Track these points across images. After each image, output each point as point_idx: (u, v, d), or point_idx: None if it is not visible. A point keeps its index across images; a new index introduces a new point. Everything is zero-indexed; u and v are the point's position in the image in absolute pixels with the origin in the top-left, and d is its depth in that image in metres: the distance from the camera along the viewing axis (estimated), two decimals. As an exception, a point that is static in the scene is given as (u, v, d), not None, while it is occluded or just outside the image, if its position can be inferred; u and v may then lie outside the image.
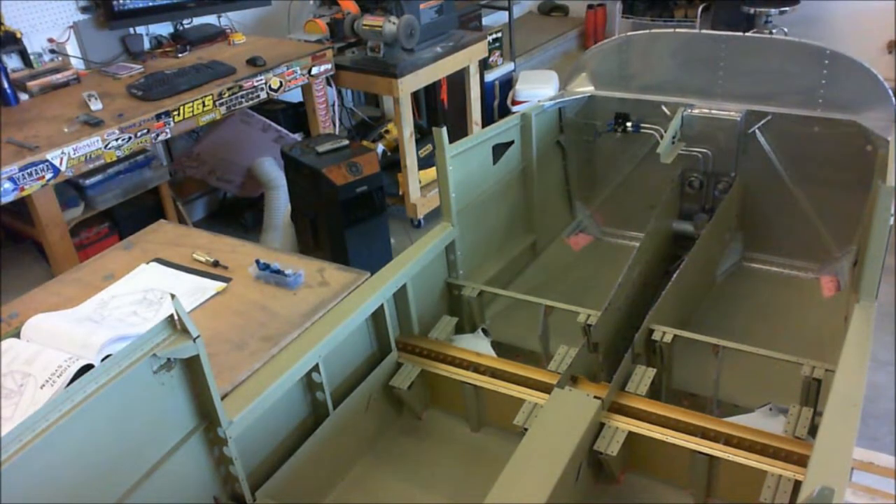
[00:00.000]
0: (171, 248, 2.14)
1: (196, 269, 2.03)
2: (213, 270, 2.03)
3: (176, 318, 1.34)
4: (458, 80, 4.01)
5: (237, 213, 3.97)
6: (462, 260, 2.32)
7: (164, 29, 3.61)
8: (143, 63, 3.37)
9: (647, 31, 2.83)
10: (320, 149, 2.97)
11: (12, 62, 3.10)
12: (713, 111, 2.66)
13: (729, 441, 1.70)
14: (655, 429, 1.77)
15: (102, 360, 1.54)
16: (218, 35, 3.67)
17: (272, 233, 3.59)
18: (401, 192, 3.79)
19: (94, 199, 3.11)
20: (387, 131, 4.13)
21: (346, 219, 2.93)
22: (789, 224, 2.72)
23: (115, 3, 3.26)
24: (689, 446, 1.72)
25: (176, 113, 2.89)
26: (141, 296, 1.89)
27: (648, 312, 2.07)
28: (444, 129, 2.12)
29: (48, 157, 2.52)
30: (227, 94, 3.07)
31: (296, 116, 3.96)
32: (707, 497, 1.78)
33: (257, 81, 3.18)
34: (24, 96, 3.02)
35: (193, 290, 1.93)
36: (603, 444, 1.74)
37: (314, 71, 3.44)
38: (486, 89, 4.37)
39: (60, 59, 3.26)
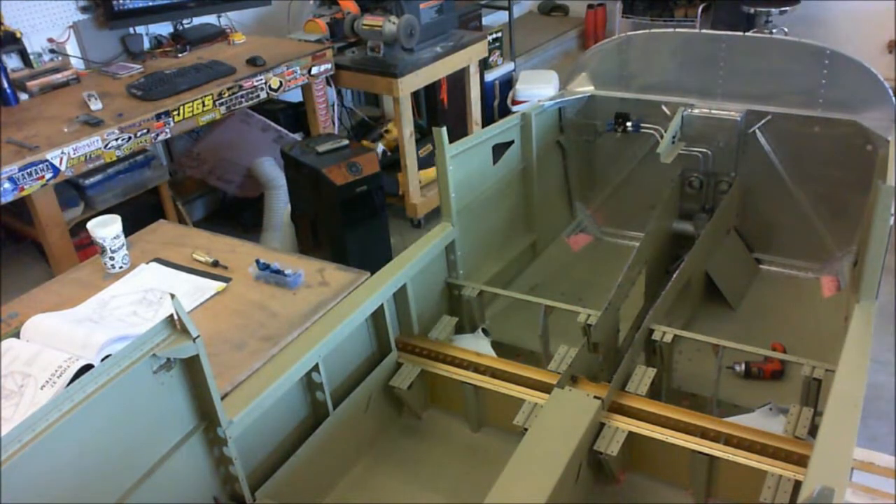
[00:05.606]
0: (170, 248, 2.14)
1: (196, 269, 2.03)
2: (212, 270, 2.03)
3: (176, 318, 1.34)
4: (458, 80, 4.01)
5: (237, 213, 3.97)
6: (462, 260, 2.32)
7: (163, 29, 3.61)
8: (143, 63, 3.36)
9: (647, 30, 2.83)
10: (320, 149, 2.97)
11: (12, 62, 3.09)
12: (713, 111, 2.65)
13: (729, 441, 1.70)
14: (655, 429, 1.77)
15: (102, 360, 1.54)
16: (218, 35, 3.67)
17: (272, 233, 3.59)
18: (401, 192, 3.79)
19: (94, 198, 3.11)
20: (387, 131, 4.13)
21: (346, 219, 2.93)
22: (789, 224, 2.72)
23: (115, 2, 3.26)
24: (689, 446, 1.72)
25: (176, 113, 2.89)
26: (141, 296, 1.89)
27: (648, 312, 2.07)
28: (444, 129, 2.12)
29: (48, 156, 2.52)
30: (226, 94, 3.07)
31: (296, 116, 3.95)
32: (707, 497, 1.78)
33: (257, 81, 3.18)
34: (23, 96, 3.02)
35: (193, 290, 1.93)
36: (603, 444, 1.74)
37: (314, 71, 3.44)
38: (486, 89, 4.37)
39: (60, 58, 3.25)
